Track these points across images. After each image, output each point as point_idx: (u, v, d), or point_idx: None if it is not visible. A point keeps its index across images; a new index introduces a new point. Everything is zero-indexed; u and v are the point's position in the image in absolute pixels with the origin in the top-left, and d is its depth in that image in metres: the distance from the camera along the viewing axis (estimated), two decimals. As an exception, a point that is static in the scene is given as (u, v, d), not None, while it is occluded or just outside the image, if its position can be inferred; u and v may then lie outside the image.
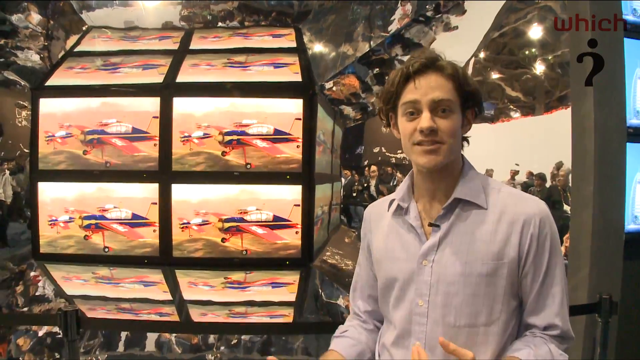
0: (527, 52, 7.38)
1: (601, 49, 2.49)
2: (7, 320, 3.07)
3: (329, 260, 4.81)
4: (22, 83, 5.25)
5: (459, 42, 5.87)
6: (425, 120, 1.05)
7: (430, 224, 1.13)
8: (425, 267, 1.11)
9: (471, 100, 1.11)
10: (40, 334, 3.05)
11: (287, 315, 3.75)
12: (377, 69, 6.09)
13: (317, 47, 5.60)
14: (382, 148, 11.16)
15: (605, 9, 2.52)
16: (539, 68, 7.37)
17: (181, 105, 4.09)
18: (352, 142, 10.58)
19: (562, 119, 7.44)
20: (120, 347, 3.18)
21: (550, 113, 7.92)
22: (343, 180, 7.82)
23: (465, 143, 1.17)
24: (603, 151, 2.58)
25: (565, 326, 1.10)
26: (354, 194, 7.96)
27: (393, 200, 1.21)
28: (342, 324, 1.35)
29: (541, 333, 1.10)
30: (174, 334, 3.23)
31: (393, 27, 5.63)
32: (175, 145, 4.06)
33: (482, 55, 6.64)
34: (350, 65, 5.31)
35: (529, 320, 1.12)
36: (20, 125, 7.91)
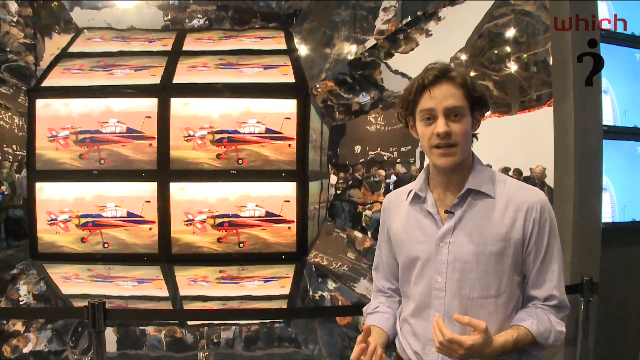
0: (502, 51, 7.64)
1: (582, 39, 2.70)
2: (35, 314, 3.13)
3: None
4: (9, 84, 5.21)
5: (439, 47, 6.13)
6: (441, 125, 1.23)
7: (446, 211, 1.30)
8: (443, 248, 1.28)
9: (479, 104, 1.29)
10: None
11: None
12: (363, 72, 6.30)
13: (304, 50, 5.75)
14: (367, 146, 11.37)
15: (583, 11, 2.74)
16: (514, 67, 7.65)
17: (177, 105, 4.19)
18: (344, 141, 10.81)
19: (537, 118, 7.77)
20: (112, 348, 3.19)
21: (525, 112, 8.22)
22: (334, 177, 8.01)
23: (474, 139, 1.34)
24: (582, 148, 2.83)
25: (562, 297, 1.29)
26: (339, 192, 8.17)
27: (411, 190, 1.38)
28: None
29: (542, 304, 1.29)
30: (164, 334, 3.33)
31: (377, 30, 5.83)
32: (173, 144, 4.16)
33: (463, 57, 6.88)
34: (338, 67, 5.48)
35: (531, 292, 1.30)
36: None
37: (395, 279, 1.47)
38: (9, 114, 7.56)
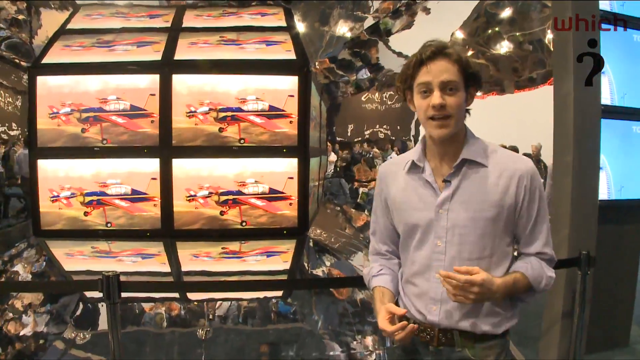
0: (499, 30, 7.64)
1: (581, 38, 2.77)
2: (49, 287, 3.17)
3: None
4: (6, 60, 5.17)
5: (437, 26, 6.16)
6: (436, 97, 1.31)
7: (444, 180, 1.39)
8: (442, 215, 1.37)
9: (472, 80, 1.37)
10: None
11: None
12: (361, 50, 6.31)
13: (302, 27, 5.72)
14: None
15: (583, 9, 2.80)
16: (510, 46, 7.68)
17: (180, 82, 4.19)
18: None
19: (531, 98, 7.86)
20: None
21: (521, 92, 8.30)
22: (333, 155, 8.06)
23: (467, 114, 1.42)
24: (581, 126, 2.90)
25: (551, 252, 1.42)
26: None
27: (409, 160, 1.46)
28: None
29: (534, 257, 1.41)
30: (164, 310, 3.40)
31: (375, 8, 5.83)
32: (175, 121, 4.17)
33: (460, 36, 6.91)
34: (337, 45, 5.49)
35: (524, 250, 1.42)
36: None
37: (392, 242, 1.57)
38: (2, 91, 7.51)
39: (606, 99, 3.14)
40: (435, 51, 1.32)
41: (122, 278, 2.29)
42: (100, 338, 3.04)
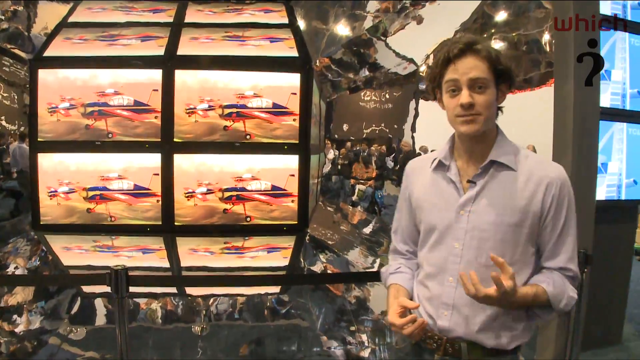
0: (492, 32, 7.72)
1: (582, 40, 2.83)
2: (57, 281, 3.16)
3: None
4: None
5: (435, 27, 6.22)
6: (464, 96, 1.26)
7: (469, 181, 1.34)
8: (463, 216, 1.33)
9: (503, 77, 1.30)
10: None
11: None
12: (360, 49, 6.36)
13: (302, 24, 5.76)
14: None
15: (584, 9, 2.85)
16: (499, 46, 7.75)
17: (182, 77, 4.20)
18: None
19: (529, 99, 7.95)
20: (101, 320, 3.24)
21: (515, 93, 8.38)
22: (332, 152, 8.09)
23: (499, 112, 1.36)
24: (580, 127, 2.96)
25: (575, 269, 1.34)
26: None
27: (435, 158, 1.42)
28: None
29: (557, 272, 1.33)
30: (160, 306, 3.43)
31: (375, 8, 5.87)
32: (178, 117, 4.19)
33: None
34: (336, 44, 5.53)
35: (546, 264, 1.34)
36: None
37: (413, 242, 1.53)
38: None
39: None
40: (463, 48, 1.27)
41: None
42: (95, 334, 3.07)
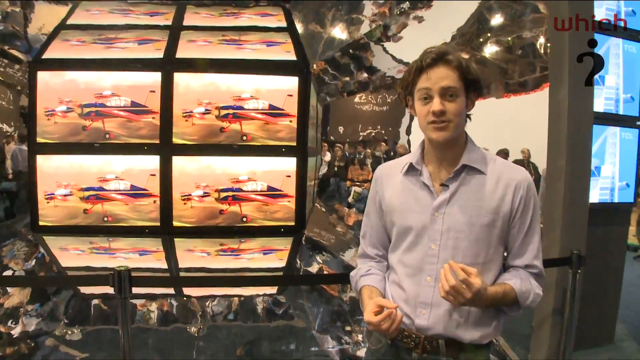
0: (487, 36, 7.78)
1: (577, 46, 2.88)
2: (60, 282, 3.17)
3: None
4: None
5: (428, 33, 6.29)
6: (436, 104, 1.32)
7: (441, 184, 1.41)
8: (438, 218, 1.38)
9: (473, 86, 1.37)
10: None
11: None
12: (357, 53, 6.41)
13: (300, 28, 5.79)
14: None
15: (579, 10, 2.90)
16: (495, 49, 7.82)
17: (180, 80, 4.23)
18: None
19: (523, 103, 8.03)
20: (99, 322, 3.22)
21: (509, 97, 8.46)
22: (328, 154, 8.14)
23: (468, 119, 1.43)
24: (574, 131, 3.02)
25: (540, 266, 1.43)
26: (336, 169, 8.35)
27: (407, 163, 1.48)
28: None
29: (523, 270, 1.41)
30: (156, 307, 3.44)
31: (372, 12, 5.92)
32: (176, 118, 4.21)
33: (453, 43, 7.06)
34: (333, 47, 5.57)
35: (513, 262, 1.43)
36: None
37: (382, 246, 1.57)
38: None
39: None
40: (435, 58, 1.34)
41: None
42: (93, 335, 3.08)
